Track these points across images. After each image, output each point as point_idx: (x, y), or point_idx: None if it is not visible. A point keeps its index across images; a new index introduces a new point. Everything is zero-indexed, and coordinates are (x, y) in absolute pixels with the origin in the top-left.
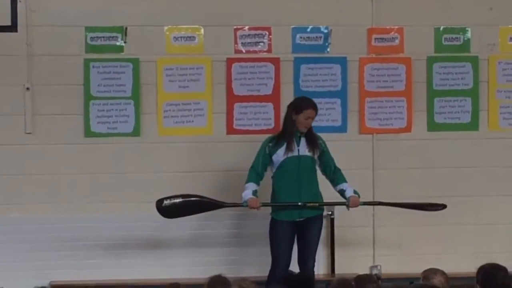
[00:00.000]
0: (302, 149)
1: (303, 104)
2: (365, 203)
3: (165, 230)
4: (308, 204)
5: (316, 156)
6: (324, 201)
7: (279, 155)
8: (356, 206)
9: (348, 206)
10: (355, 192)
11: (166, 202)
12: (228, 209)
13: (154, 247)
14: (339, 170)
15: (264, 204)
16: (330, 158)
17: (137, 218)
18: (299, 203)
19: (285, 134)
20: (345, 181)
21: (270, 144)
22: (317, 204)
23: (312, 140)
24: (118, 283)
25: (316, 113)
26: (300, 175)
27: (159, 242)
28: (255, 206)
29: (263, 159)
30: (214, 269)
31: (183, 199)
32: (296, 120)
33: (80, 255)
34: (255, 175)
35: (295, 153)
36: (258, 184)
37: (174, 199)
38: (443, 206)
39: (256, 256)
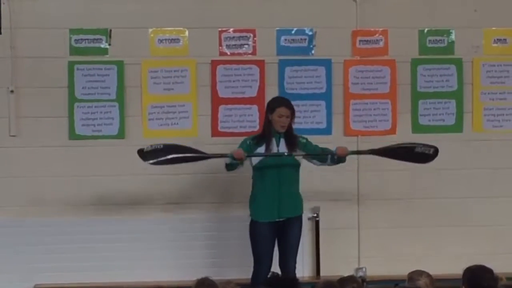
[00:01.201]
0: (282, 148)
1: (275, 103)
2: (353, 152)
3: (148, 233)
4: (294, 154)
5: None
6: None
7: (260, 152)
8: (344, 154)
9: (335, 155)
10: None
11: (148, 147)
12: (209, 212)
13: (137, 249)
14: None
15: (249, 155)
16: (315, 146)
17: (121, 221)
18: (285, 153)
19: (263, 135)
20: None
21: (251, 141)
22: (303, 154)
23: (292, 140)
24: (102, 286)
25: (291, 111)
26: (280, 175)
27: (142, 245)
28: (240, 156)
29: (245, 146)
30: (196, 272)
31: (165, 144)
32: (272, 120)
33: (64, 258)
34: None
35: (275, 152)
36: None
37: (156, 146)
38: (435, 149)
39: (238, 258)
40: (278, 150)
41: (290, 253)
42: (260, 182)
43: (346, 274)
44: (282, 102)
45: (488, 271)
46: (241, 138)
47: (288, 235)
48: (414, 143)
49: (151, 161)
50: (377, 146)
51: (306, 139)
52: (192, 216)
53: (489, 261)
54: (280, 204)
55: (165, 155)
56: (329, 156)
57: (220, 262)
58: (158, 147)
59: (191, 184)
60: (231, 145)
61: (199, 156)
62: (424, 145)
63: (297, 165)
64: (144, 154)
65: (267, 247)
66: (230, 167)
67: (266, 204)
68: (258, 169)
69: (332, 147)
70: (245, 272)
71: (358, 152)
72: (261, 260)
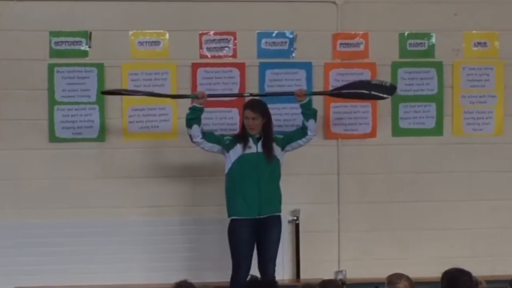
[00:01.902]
0: (260, 148)
1: (244, 105)
2: (312, 93)
3: (127, 236)
4: (254, 95)
5: (277, 154)
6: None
7: (237, 150)
8: (300, 94)
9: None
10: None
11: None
12: (187, 215)
13: (116, 252)
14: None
15: (210, 95)
16: (291, 132)
17: (100, 223)
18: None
19: (239, 136)
20: None
21: (229, 138)
22: (263, 93)
23: (267, 142)
24: None
25: (260, 113)
26: (260, 172)
27: (120, 247)
28: (203, 94)
29: (217, 135)
30: (174, 275)
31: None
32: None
33: (44, 260)
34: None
35: (254, 150)
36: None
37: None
38: (391, 83)
39: (216, 261)
40: (257, 150)
41: (269, 255)
42: (239, 178)
43: (326, 277)
44: (247, 105)
45: (466, 273)
46: None
47: (267, 238)
48: (368, 80)
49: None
50: (357, 150)
51: (283, 135)
52: (170, 219)
53: (469, 264)
54: (260, 201)
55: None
56: (302, 125)
57: (198, 265)
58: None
59: (169, 187)
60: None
61: (159, 93)
62: (379, 80)
63: (276, 161)
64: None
65: (246, 249)
66: (191, 116)
67: (245, 200)
68: (237, 165)
69: (312, 150)
70: (224, 275)
71: (317, 93)
72: (239, 262)
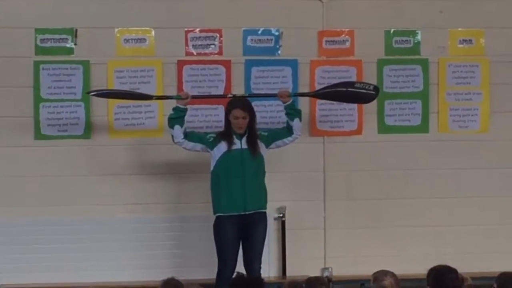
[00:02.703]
0: (244, 144)
1: (232, 104)
2: (296, 94)
3: (112, 233)
4: (237, 96)
5: (262, 151)
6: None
7: (221, 148)
8: (284, 95)
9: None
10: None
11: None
12: (173, 213)
13: (102, 250)
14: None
15: (195, 96)
16: (276, 130)
17: (86, 221)
18: (233, 95)
19: (223, 134)
20: None
21: (213, 135)
22: (246, 94)
23: (252, 140)
24: (66, 286)
25: (248, 113)
26: (244, 168)
27: (107, 245)
28: (186, 94)
29: (200, 133)
30: (160, 272)
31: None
32: (230, 121)
33: (29, 258)
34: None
35: (238, 147)
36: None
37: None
38: (374, 86)
39: (202, 258)
40: (241, 146)
41: (255, 253)
42: (224, 175)
43: (312, 274)
44: (237, 104)
45: (452, 271)
46: None
47: (252, 235)
48: (353, 81)
49: (93, 93)
50: (343, 147)
51: (267, 131)
52: (156, 216)
53: (454, 261)
54: (245, 197)
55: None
56: (286, 124)
57: (184, 263)
58: (106, 90)
59: (155, 184)
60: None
61: (142, 95)
62: (362, 82)
63: (261, 158)
64: (91, 92)
65: (232, 246)
66: (174, 115)
67: (231, 197)
68: (222, 162)
69: (298, 148)
70: (210, 272)
71: (301, 94)
72: (225, 259)
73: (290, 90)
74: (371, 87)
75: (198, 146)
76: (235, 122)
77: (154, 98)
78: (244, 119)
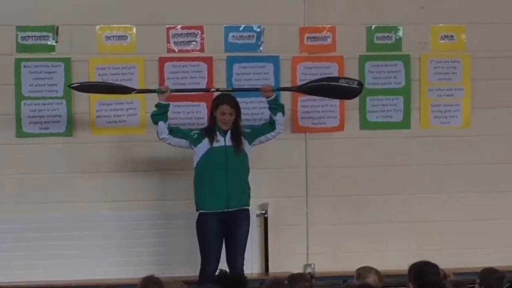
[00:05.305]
0: (229, 140)
1: (218, 100)
2: (279, 89)
3: (95, 230)
4: (220, 90)
5: (245, 148)
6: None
7: (205, 144)
8: (267, 90)
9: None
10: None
11: (77, 84)
12: (155, 209)
13: (83, 247)
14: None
15: (176, 90)
16: (258, 126)
17: (68, 218)
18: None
19: (207, 130)
20: None
21: (196, 132)
22: (230, 89)
23: (237, 137)
24: (48, 284)
25: (235, 109)
26: (228, 165)
27: (89, 242)
28: (166, 88)
29: (184, 129)
30: (143, 269)
31: (93, 82)
32: (216, 117)
33: (11, 255)
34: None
35: (222, 143)
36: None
37: (87, 83)
38: (358, 81)
39: (185, 255)
40: (225, 143)
41: (238, 250)
42: (207, 172)
43: (294, 271)
44: (224, 99)
45: (433, 266)
46: None
47: (235, 232)
48: (337, 77)
49: (74, 85)
50: (325, 143)
51: (250, 128)
52: (138, 213)
53: (437, 257)
54: (228, 194)
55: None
56: (269, 119)
57: (167, 260)
58: (88, 83)
59: (137, 181)
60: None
61: (123, 88)
62: (347, 78)
63: (244, 155)
64: (73, 86)
65: (215, 242)
66: (157, 112)
67: (214, 194)
68: (205, 159)
69: (280, 144)
70: (193, 269)
71: (284, 89)
72: (208, 256)
73: (273, 85)
74: (355, 83)
75: (183, 141)
76: (221, 117)
77: (134, 92)
78: (231, 115)
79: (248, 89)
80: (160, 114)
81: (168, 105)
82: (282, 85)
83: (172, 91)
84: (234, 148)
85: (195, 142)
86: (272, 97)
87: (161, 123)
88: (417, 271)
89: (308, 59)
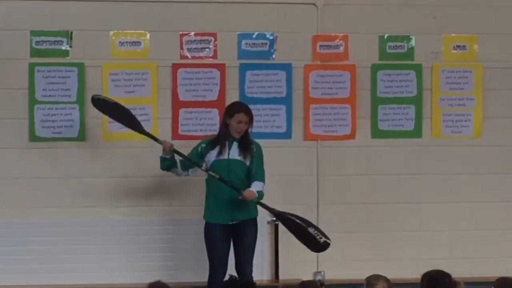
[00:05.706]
0: (233, 153)
1: (234, 108)
2: (257, 202)
3: (103, 235)
4: (211, 172)
5: (248, 162)
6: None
7: (212, 155)
8: (248, 198)
9: (240, 196)
10: (259, 192)
11: (101, 96)
12: (164, 216)
13: (93, 252)
14: (261, 177)
15: (175, 151)
16: (256, 165)
17: (78, 223)
18: (203, 168)
19: (218, 138)
20: (260, 181)
21: (203, 145)
22: (217, 176)
23: (245, 146)
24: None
25: (250, 118)
26: (230, 178)
27: (98, 247)
28: (166, 145)
29: (193, 156)
30: (152, 275)
31: (115, 102)
32: (230, 125)
33: (21, 259)
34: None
35: (225, 156)
36: (177, 165)
37: (109, 99)
38: (326, 239)
39: (194, 261)
40: (229, 154)
41: (246, 256)
42: (212, 184)
43: (304, 278)
44: (241, 108)
45: (446, 275)
46: None
47: (242, 238)
48: (313, 225)
49: (97, 107)
50: (336, 151)
51: (259, 152)
52: (148, 219)
53: (447, 266)
54: (233, 207)
55: (110, 110)
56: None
57: (176, 265)
58: (109, 100)
59: (148, 187)
60: (191, 149)
61: (135, 127)
62: (320, 231)
63: (246, 169)
64: (95, 101)
65: (221, 250)
66: (162, 166)
67: (218, 206)
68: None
69: (292, 152)
70: (201, 276)
71: (261, 204)
72: (215, 263)
73: (261, 184)
74: (322, 239)
75: (199, 163)
76: (237, 126)
77: (143, 133)
78: (245, 124)
79: (232, 186)
80: (166, 165)
81: (173, 155)
82: (295, 93)
83: (173, 151)
84: (239, 159)
85: (203, 155)
86: (251, 199)
87: (173, 169)
88: (430, 280)
89: (320, 67)
